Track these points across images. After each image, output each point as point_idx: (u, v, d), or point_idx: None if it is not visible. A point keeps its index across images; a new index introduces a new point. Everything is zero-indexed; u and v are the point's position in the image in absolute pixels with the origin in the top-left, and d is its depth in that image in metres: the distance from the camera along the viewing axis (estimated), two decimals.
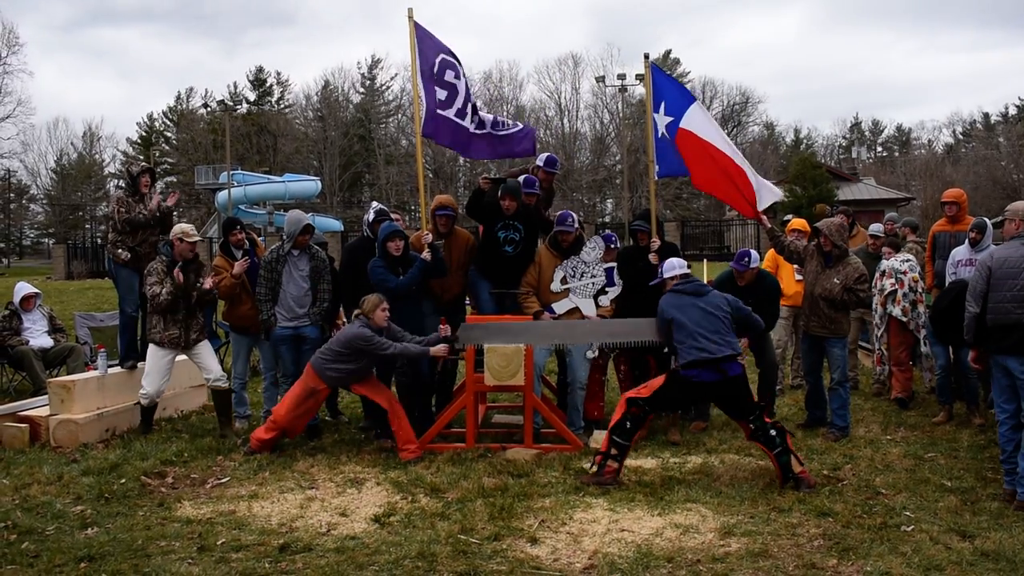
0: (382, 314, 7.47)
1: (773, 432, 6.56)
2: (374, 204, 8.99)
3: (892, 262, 9.34)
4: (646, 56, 8.88)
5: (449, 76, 8.48)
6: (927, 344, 9.09)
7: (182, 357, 8.45)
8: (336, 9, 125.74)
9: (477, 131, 8.65)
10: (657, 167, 8.62)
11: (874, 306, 9.40)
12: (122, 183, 9.45)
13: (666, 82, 8.84)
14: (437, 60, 8.43)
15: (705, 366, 6.59)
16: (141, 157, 72.42)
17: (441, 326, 7.63)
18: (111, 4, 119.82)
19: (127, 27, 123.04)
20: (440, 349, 7.53)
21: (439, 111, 8.42)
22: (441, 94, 8.41)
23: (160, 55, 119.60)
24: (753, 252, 8.42)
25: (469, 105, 8.56)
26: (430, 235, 8.19)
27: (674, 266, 7.22)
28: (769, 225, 8.67)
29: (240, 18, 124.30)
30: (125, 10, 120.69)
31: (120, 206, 8.83)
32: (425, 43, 8.41)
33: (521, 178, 8.68)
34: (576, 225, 8.19)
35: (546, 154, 9.15)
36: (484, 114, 8.85)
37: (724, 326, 6.82)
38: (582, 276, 8.15)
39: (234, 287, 8.53)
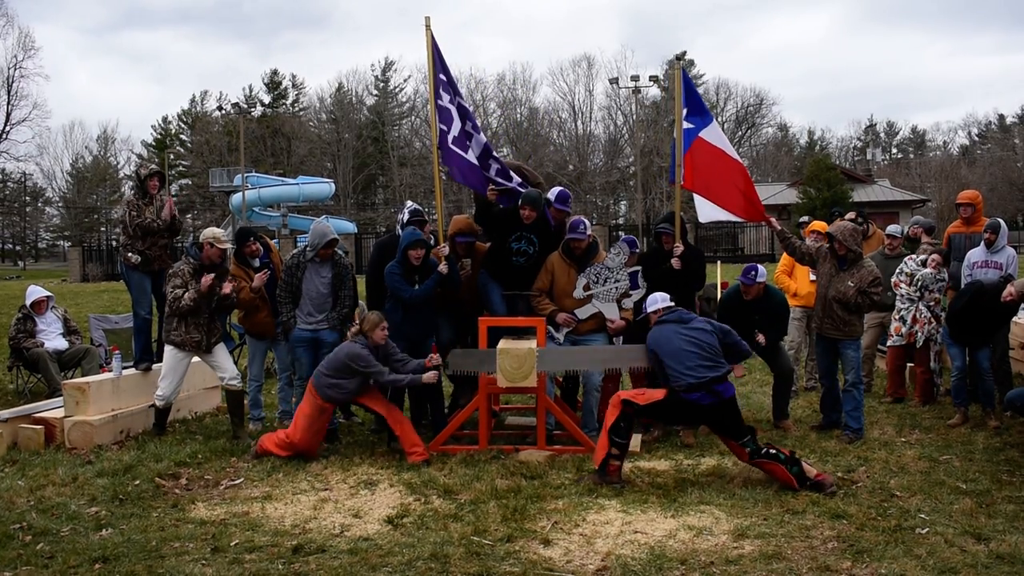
0: (381, 333, 7.45)
1: (774, 451, 6.62)
2: (408, 204, 8.91)
3: (928, 273, 9.23)
4: (678, 58, 8.87)
5: (444, 100, 8.41)
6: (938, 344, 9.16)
7: (196, 359, 8.47)
8: (370, 12, 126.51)
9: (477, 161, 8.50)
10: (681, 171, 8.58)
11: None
12: (132, 185, 9.50)
13: (693, 90, 8.84)
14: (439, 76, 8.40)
15: (701, 389, 6.65)
16: (156, 159, 72.78)
17: (432, 355, 7.52)
18: (142, 7, 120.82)
19: (159, 30, 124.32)
20: (430, 376, 7.47)
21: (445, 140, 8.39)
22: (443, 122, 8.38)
23: (191, 58, 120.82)
24: (760, 267, 8.42)
25: (469, 127, 8.45)
26: (446, 248, 8.18)
27: (656, 300, 7.28)
28: (779, 227, 8.65)
29: (273, 20, 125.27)
30: (158, 11, 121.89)
31: (130, 209, 8.86)
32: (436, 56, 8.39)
33: (554, 192, 8.57)
34: (588, 231, 8.11)
35: (558, 189, 8.75)
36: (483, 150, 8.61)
37: (711, 349, 6.90)
38: (605, 282, 8.10)
39: (252, 300, 8.55)
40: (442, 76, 8.42)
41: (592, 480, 6.66)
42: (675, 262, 8.20)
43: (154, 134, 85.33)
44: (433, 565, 5.12)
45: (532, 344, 7.56)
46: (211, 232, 8.31)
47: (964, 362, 8.50)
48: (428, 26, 8.33)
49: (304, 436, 7.45)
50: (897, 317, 9.44)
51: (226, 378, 8.33)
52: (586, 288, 8.06)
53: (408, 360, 7.59)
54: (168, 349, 8.27)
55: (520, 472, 6.95)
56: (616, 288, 8.10)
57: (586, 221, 8.17)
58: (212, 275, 8.11)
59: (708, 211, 8.67)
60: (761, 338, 8.27)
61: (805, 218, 11.94)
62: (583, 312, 8.08)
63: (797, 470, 6.45)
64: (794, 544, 5.39)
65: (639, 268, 8.25)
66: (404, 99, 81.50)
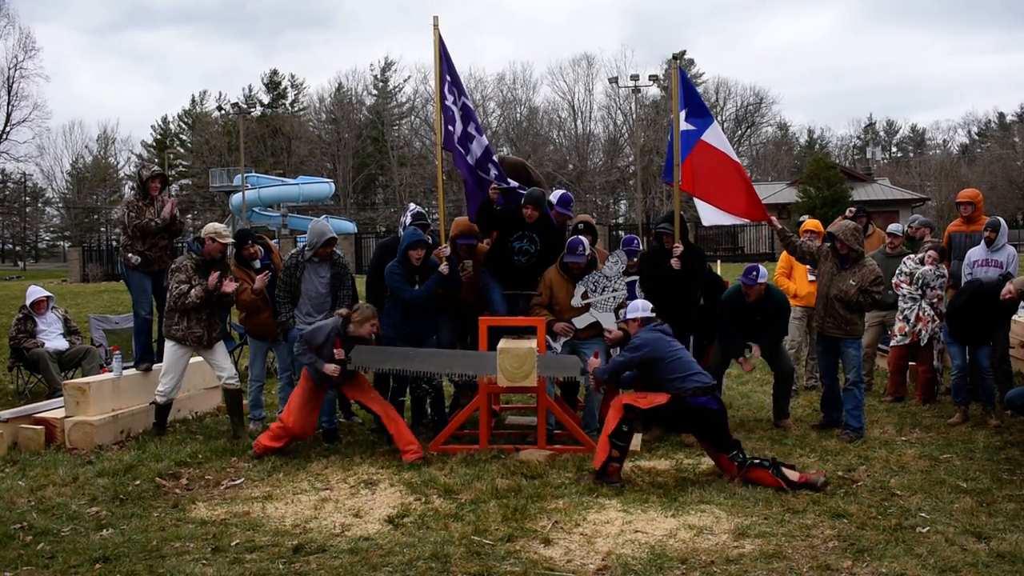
0: (369, 328, 7.49)
1: (757, 459, 6.64)
2: (411, 207, 8.89)
3: (927, 270, 9.24)
4: (676, 57, 8.86)
5: (447, 100, 8.42)
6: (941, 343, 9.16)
7: (196, 359, 8.46)
8: (373, 11, 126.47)
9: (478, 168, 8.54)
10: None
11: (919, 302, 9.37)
12: (133, 186, 9.48)
13: (692, 90, 8.80)
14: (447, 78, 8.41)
15: (706, 392, 6.66)
16: (156, 160, 72.75)
17: (335, 349, 7.48)
18: (145, 6, 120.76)
19: (162, 29, 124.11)
20: (329, 368, 7.43)
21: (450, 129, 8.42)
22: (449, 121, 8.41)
23: (194, 57, 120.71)
24: (761, 267, 8.39)
25: (472, 129, 8.48)
26: (448, 248, 8.18)
27: (638, 308, 7.22)
28: (780, 226, 8.65)
29: (276, 20, 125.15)
30: (161, 11, 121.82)
31: (130, 210, 8.85)
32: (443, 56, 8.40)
33: (556, 194, 8.54)
34: (587, 253, 8.05)
35: (560, 191, 8.78)
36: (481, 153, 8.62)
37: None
38: (603, 291, 8.07)
39: (254, 302, 8.54)
40: (447, 76, 8.43)
41: (592, 480, 6.66)
42: (675, 262, 8.18)
43: (154, 134, 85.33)
44: (433, 565, 5.12)
45: (532, 344, 7.55)
46: (212, 227, 8.31)
47: (964, 361, 8.50)
48: (436, 26, 8.33)
49: (297, 417, 7.47)
50: (901, 317, 9.42)
51: (224, 377, 8.33)
52: (584, 296, 8.05)
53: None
54: (169, 345, 8.26)
55: (520, 472, 6.94)
56: (614, 298, 8.07)
57: (585, 242, 8.09)
58: (219, 273, 8.12)
59: (711, 215, 8.64)
60: (756, 350, 8.31)
61: (804, 217, 11.95)
62: (581, 321, 8.07)
63: (780, 474, 6.48)
64: (794, 543, 5.39)
65: (636, 278, 8.24)
66: (404, 99, 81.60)
